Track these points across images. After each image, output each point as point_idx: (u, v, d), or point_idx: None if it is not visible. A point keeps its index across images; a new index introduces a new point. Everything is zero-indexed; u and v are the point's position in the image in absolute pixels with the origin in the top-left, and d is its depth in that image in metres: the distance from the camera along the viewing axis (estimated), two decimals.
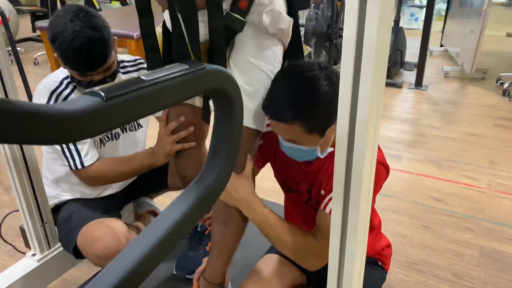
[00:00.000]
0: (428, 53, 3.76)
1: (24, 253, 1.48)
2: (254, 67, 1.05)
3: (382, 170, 1.00)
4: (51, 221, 1.44)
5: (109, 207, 1.46)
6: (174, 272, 1.53)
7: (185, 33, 1.02)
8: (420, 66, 3.68)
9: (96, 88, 0.38)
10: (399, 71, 4.09)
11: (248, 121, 1.05)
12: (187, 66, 0.49)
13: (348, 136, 0.69)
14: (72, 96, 1.28)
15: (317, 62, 1.00)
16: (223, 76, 0.54)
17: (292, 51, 1.14)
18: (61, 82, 1.29)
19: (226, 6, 1.02)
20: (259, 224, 1.07)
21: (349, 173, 0.72)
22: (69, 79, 1.28)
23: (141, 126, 1.51)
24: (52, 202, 1.43)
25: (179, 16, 1.01)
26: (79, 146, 1.30)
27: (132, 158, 1.37)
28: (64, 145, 1.29)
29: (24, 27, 5.57)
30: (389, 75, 3.83)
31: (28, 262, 1.44)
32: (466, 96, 3.55)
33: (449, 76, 4.00)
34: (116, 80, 1.02)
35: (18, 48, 4.62)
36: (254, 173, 1.16)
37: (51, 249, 1.48)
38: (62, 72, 1.31)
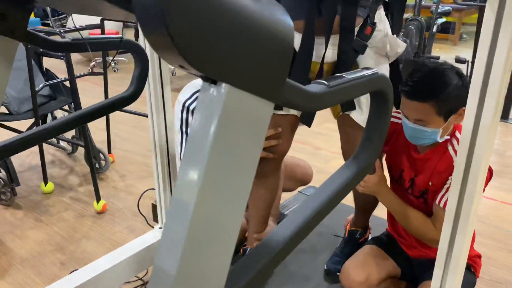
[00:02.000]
0: None
1: (153, 227, 1.76)
2: None
3: (488, 172, 1.17)
4: None
5: None
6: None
7: (314, 52, 1.24)
8: (507, 99, 3.65)
9: (321, 80, 0.61)
10: None
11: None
12: (369, 71, 0.71)
13: (471, 137, 0.87)
14: None
15: (448, 63, 1.23)
16: (386, 80, 0.76)
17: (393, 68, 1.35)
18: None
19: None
20: (393, 210, 1.34)
21: (467, 169, 0.89)
22: None
23: None
24: None
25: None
26: None
27: None
28: (184, 135, 1.57)
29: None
30: None
31: (156, 234, 1.72)
32: None
33: None
34: None
35: (122, 58, 5.20)
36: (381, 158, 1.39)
37: None
38: None
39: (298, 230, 0.64)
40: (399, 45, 1.28)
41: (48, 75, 2.54)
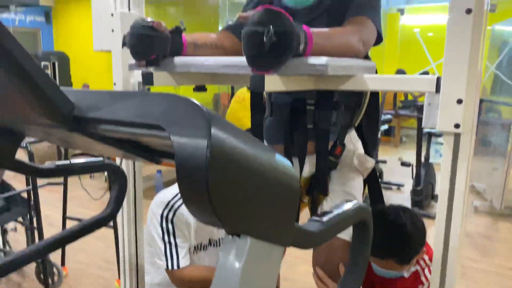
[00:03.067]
0: None
1: None
2: (346, 194, 1.37)
3: None
4: None
5: None
6: None
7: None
8: (450, 201, 3.92)
9: (317, 218, 0.68)
10: (431, 203, 4.34)
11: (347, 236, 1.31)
12: (352, 203, 0.79)
13: (442, 261, 0.94)
14: (183, 206, 1.58)
15: (399, 206, 1.32)
16: (367, 211, 0.83)
17: (370, 184, 1.46)
18: (176, 195, 1.61)
19: None
20: None
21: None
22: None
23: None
24: None
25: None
26: (179, 249, 1.56)
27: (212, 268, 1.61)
28: (167, 245, 1.55)
29: None
30: (422, 207, 4.07)
31: None
32: (499, 231, 3.72)
33: (478, 211, 4.22)
34: None
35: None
36: None
37: None
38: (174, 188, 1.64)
39: None
40: (368, 161, 1.41)
41: (3, 186, 2.45)
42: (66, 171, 1.11)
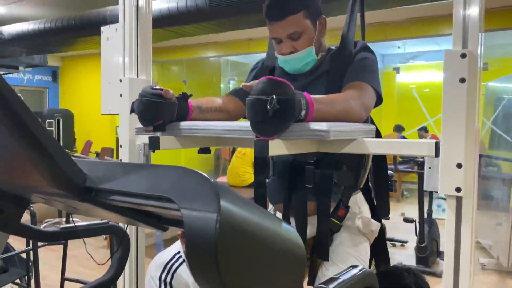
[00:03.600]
0: None
1: None
2: (351, 257, 1.34)
3: None
4: None
5: None
6: None
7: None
8: (456, 258, 3.84)
9: (323, 285, 0.67)
10: (436, 260, 4.24)
11: None
12: (357, 269, 0.78)
13: None
14: (182, 268, 1.55)
15: (406, 268, 1.29)
16: (373, 277, 0.83)
17: (377, 247, 1.43)
18: (173, 256, 1.58)
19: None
20: None
21: None
22: (180, 254, 1.58)
23: None
24: None
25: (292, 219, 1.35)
26: None
27: None
28: None
29: None
30: (427, 264, 3.98)
31: None
32: None
33: (486, 268, 4.11)
34: None
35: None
36: None
37: None
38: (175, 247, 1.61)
39: None
40: (373, 223, 1.40)
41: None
42: (70, 235, 1.11)
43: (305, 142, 1.05)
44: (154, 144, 1.10)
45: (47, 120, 8.05)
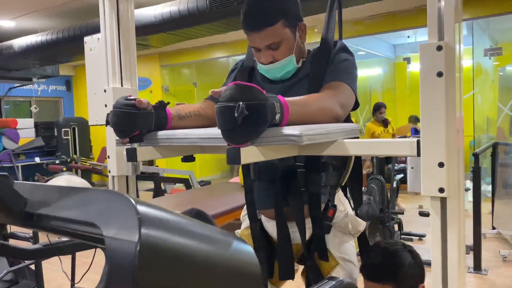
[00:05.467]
0: (481, 236, 3.86)
1: None
2: (341, 259, 1.34)
3: None
4: None
5: None
6: None
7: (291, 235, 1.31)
8: (476, 250, 3.73)
9: None
10: None
11: None
12: (336, 280, 0.74)
13: None
14: None
15: (400, 242, 1.33)
16: (353, 286, 0.79)
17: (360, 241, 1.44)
18: None
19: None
20: None
21: None
22: None
23: None
24: None
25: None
26: None
27: None
28: None
29: None
30: None
31: None
32: None
33: (507, 260, 3.98)
34: None
35: None
36: None
37: None
38: None
39: None
40: (360, 224, 1.39)
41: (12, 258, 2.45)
42: (52, 252, 1.10)
43: (284, 147, 1.01)
44: (131, 156, 1.08)
45: (63, 129, 8.19)
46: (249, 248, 0.57)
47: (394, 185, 4.39)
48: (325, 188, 1.29)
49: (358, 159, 1.31)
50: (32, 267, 2.30)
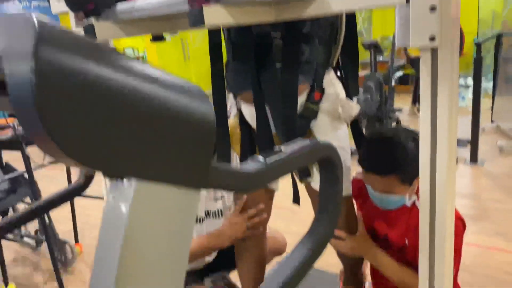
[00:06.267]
0: (480, 130, 3.83)
1: None
2: None
3: (459, 224, 1.14)
4: None
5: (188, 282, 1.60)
6: None
7: (271, 121, 1.22)
8: (473, 143, 3.73)
9: (260, 157, 0.57)
10: None
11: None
12: (308, 141, 0.67)
13: (430, 196, 0.83)
14: None
15: (401, 128, 1.22)
16: (331, 148, 0.72)
17: (352, 127, 1.35)
18: None
19: (303, 98, 1.22)
20: (384, 269, 1.27)
21: (432, 227, 0.84)
22: None
23: (222, 216, 1.68)
24: None
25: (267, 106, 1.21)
26: None
27: (200, 239, 1.50)
28: None
29: None
30: None
31: None
32: None
33: (504, 151, 4.00)
34: None
35: None
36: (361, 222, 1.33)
37: None
38: None
39: None
40: (353, 108, 1.26)
41: (7, 168, 2.45)
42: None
43: (257, 10, 0.90)
44: (89, 33, 0.96)
45: None
46: (198, 88, 0.48)
47: (393, 83, 4.27)
48: (308, 65, 1.17)
49: (353, 33, 1.18)
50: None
